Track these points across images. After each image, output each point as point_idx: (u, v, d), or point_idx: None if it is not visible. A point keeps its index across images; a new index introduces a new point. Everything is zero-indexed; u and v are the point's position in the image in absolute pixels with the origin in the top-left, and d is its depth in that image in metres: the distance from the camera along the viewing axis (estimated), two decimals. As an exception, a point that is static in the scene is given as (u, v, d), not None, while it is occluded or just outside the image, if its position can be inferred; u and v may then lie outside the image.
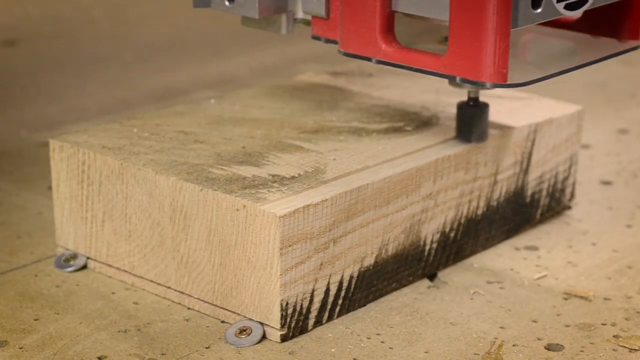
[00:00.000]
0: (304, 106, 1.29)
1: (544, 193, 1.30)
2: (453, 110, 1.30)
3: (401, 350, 1.05)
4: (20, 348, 1.04)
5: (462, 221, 1.21)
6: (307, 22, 1.20)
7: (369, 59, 1.12)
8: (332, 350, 1.05)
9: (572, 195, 1.35)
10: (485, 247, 1.25)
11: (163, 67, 1.94)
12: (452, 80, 1.08)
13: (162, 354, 1.04)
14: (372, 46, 1.11)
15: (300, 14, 1.19)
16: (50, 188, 1.38)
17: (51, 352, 1.04)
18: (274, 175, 1.10)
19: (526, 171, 1.27)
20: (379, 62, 1.11)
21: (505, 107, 1.31)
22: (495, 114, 1.29)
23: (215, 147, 1.17)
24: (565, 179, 1.33)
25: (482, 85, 1.06)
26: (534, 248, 1.26)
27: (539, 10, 1.06)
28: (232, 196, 1.05)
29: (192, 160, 1.13)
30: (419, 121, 1.26)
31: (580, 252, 1.25)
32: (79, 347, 1.05)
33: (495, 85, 1.06)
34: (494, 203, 1.24)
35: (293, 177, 1.10)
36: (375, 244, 1.12)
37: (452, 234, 1.20)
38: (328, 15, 1.16)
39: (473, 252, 1.24)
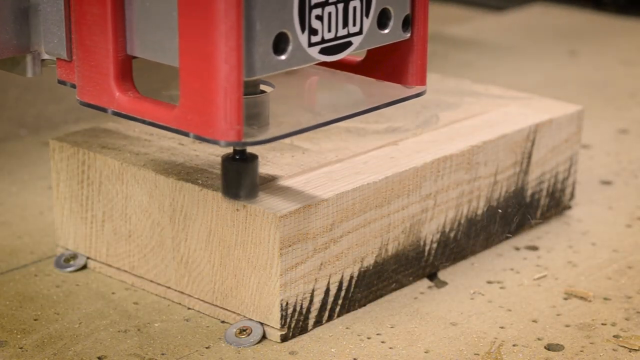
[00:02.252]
0: (304, 106, 1.29)
1: (544, 193, 1.31)
2: (453, 111, 1.30)
3: (401, 350, 1.05)
4: (20, 348, 1.04)
5: (462, 221, 1.21)
6: (55, 64, 1.06)
7: (105, 110, 0.99)
8: (332, 350, 1.05)
9: (572, 195, 1.35)
10: (485, 247, 1.25)
11: (163, 67, 1.94)
12: (186, 136, 0.94)
13: (162, 354, 1.04)
14: (107, 95, 0.99)
15: (45, 55, 1.05)
16: (50, 188, 1.38)
17: (51, 352, 1.04)
18: (273, 175, 1.10)
19: (526, 171, 1.27)
20: (115, 113, 0.99)
21: (505, 107, 1.31)
22: (496, 114, 1.29)
23: (216, 147, 1.17)
24: (565, 179, 1.33)
25: (216, 143, 0.92)
26: (534, 248, 1.26)
27: (284, 57, 0.93)
28: (232, 196, 1.05)
29: (192, 160, 1.13)
30: (419, 121, 1.26)
31: (580, 252, 1.25)
32: (79, 347, 1.05)
33: (229, 144, 0.92)
34: (494, 203, 1.24)
35: (293, 177, 1.10)
36: (375, 244, 1.12)
37: (452, 234, 1.20)
38: (71, 58, 1.02)
39: (473, 252, 1.24)
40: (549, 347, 1.06)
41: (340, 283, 1.10)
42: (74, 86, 1.03)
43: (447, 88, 1.37)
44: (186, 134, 0.94)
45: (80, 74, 1.01)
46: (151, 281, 1.14)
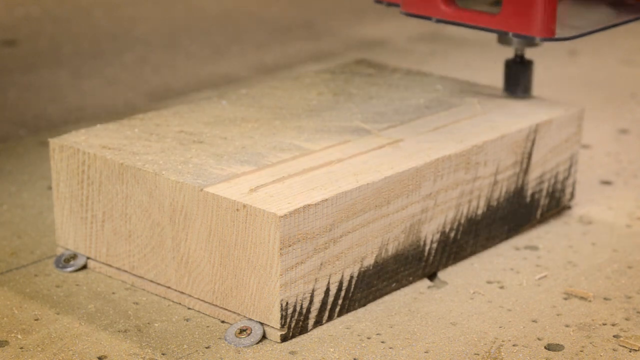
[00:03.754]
0: (304, 106, 1.29)
1: (544, 193, 1.31)
2: (453, 111, 1.30)
3: (401, 350, 1.05)
4: (21, 348, 1.04)
5: (462, 221, 1.21)
6: None
7: (429, 18, 1.27)
8: (332, 350, 1.05)
9: (572, 195, 1.35)
10: (485, 247, 1.25)
11: (163, 67, 1.94)
12: (505, 35, 1.23)
13: (162, 354, 1.04)
14: (433, 7, 1.27)
15: None
16: (50, 188, 1.38)
17: (51, 352, 1.04)
18: (274, 175, 1.10)
19: (526, 171, 1.27)
20: (439, 20, 1.26)
21: (505, 107, 1.31)
22: (496, 114, 1.29)
23: (215, 147, 1.17)
24: (565, 179, 1.33)
25: (532, 40, 1.21)
26: (534, 248, 1.26)
27: None
28: (232, 196, 1.05)
29: (192, 160, 1.13)
30: (419, 121, 1.26)
31: (580, 252, 1.25)
32: (79, 347, 1.05)
33: (544, 39, 1.20)
34: (494, 203, 1.24)
35: (293, 177, 1.10)
36: (375, 244, 1.12)
37: (452, 234, 1.20)
38: None
39: (473, 252, 1.24)
40: (549, 347, 1.06)
41: (340, 283, 1.10)
42: (390, 4, 1.33)
43: (447, 88, 1.37)
44: (506, 34, 1.23)
45: None
46: (151, 281, 1.14)
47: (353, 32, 2.19)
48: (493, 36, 2.29)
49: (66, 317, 1.10)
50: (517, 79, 1.35)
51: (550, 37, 1.20)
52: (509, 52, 2.01)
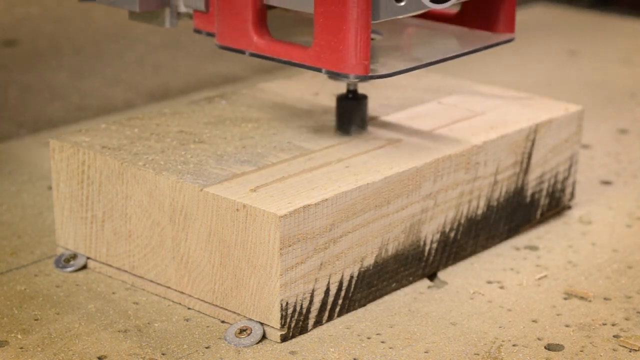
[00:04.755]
0: (303, 106, 1.29)
1: (544, 193, 1.31)
2: (453, 111, 1.30)
3: (401, 350, 1.05)
4: (21, 348, 1.04)
5: (462, 221, 1.21)
6: (190, 16, 1.21)
7: (242, 52, 1.14)
8: (332, 350, 1.05)
9: (572, 195, 1.35)
10: (485, 247, 1.25)
11: (163, 67, 1.94)
12: (318, 71, 1.09)
13: (162, 354, 1.04)
14: (245, 39, 1.13)
15: (182, 8, 1.21)
16: (50, 188, 1.38)
17: (51, 352, 1.04)
18: (274, 175, 1.10)
19: (526, 171, 1.27)
20: (252, 54, 1.13)
21: (505, 107, 1.31)
22: (496, 114, 1.29)
23: (215, 147, 1.17)
24: (565, 179, 1.33)
25: (345, 77, 1.07)
26: (534, 248, 1.26)
27: (403, 4, 1.07)
28: (232, 196, 1.05)
29: (192, 160, 1.13)
30: (419, 121, 1.26)
31: (580, 252, 1.25)
32: (79, 347, 1.05)
33: (358, 77, 1.07)
34: (494, 203, 1.24)
35: (293, 177, 1.10)
36: (375, 244, 1.12)
37: (452, 234, 1.20)
38: (208, 9, 1.18)
39: (473, 252, 1.24)
40: (549, 347, 1.06)
41: (340, 283, 1.10)
42: (209, 34, 1.18)
43: (447, 88, 1.37)
44: (319, 70, 1.08)
45: (220, 22, 1.15)
46: (151, 281, 1.14)
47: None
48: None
49: (66, 317, 1.10)
50: (349, 115, 1.20)
51: (364, 75, 1.07)
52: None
